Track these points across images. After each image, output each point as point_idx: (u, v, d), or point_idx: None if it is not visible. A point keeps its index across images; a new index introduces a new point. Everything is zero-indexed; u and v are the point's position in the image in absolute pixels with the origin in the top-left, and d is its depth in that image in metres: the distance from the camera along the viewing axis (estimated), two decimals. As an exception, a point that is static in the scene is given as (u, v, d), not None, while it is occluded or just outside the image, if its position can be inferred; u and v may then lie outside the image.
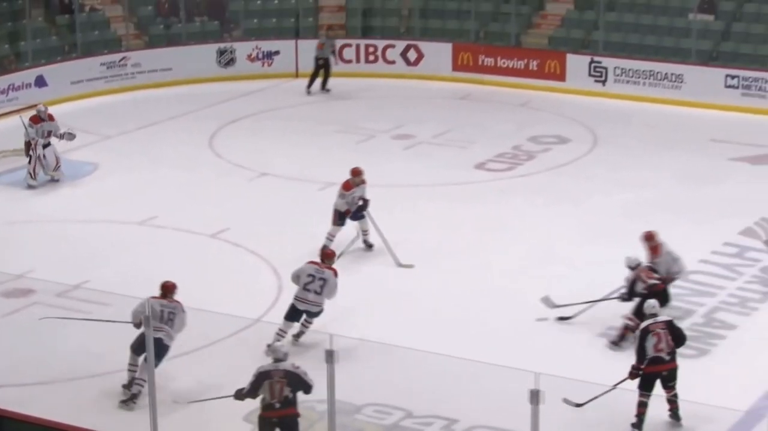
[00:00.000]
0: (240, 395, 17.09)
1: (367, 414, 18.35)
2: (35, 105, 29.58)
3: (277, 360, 16.85)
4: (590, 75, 35.68)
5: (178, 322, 18.73)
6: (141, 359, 18.32)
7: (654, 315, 18.02)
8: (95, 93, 36.10)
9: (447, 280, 22.61)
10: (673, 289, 21.97)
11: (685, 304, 21.79)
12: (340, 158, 30.17)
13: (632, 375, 17.84)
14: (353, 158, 29.84)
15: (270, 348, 17.60)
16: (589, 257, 23.76)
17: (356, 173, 25.06)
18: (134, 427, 16.20)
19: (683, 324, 20.35)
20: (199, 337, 20.11)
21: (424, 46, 37.88)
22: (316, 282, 20.01)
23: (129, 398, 18.31)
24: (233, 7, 39.52)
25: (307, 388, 16.77)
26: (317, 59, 36.30)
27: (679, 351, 18.48)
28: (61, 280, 22.76)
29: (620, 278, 21.40)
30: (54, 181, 29.12)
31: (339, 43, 38.10)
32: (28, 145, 28.80)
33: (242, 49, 38.16)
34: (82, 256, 24.15)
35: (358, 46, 38.28)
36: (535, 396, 13.50)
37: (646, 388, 17.80)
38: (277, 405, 16.76)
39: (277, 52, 38.24)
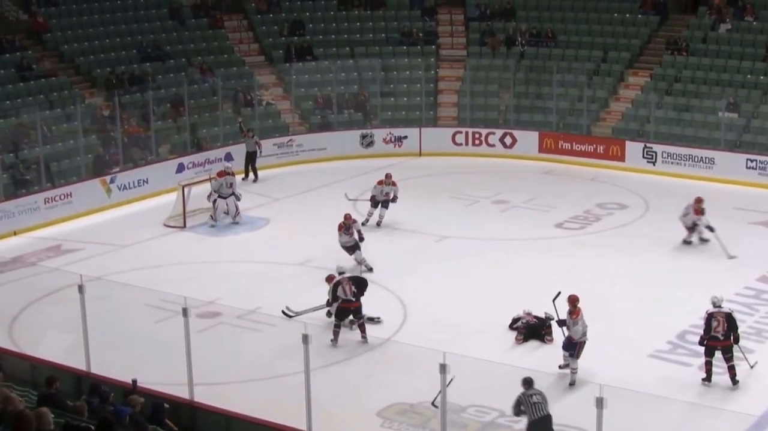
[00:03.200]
0: (329, 304, 21.38)
1: (470, 413, 18.36)
2: (224, 173, 30.14)
3: (341, 273, 21.34)
4: (644, 157, 35.33)
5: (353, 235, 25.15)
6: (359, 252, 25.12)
7: (719, 307, 19.53)
8: (269, 166, 36.21)
9: (534, 310, 22.32)
10: (703, 322, 21.77)
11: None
12: (452, 218, 30.28)
13: (701, 341, 19.59)
14: (462, 218, 30.10)
15: (337, 267, 21.74)
16: (642, 294, 23.67)
17: (387, 176, 29.53)
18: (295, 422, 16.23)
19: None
20: (341, 353, 20.19)
21: (517, 133, 37.69)
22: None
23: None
24: (373, 102, 39.68)
25: (363, 283, 21.52)
26: (246, 153, 34.87)
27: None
28: (241, 306, 23.02)
29: (665, 310, 21.27)
30: (235, 223, 29.67)
31: (451, 131, 38.25)
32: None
33: (379, 134, 38.18)
34: (257, 288, 24.31)
35: (467, 133, 38.16)
36: (600, 402, 13.41)
37: (708, 354, 19.40)
38: (353, 299, 21.02)
39: (405, 137, 38.22)
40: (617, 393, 16.42)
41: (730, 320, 19.39)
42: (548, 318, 21.45)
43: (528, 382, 16.67)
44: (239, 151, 35.42)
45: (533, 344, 21.23)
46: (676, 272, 25.39)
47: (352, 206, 29.07)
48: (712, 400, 18.69)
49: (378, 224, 29.19)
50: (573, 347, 19.60)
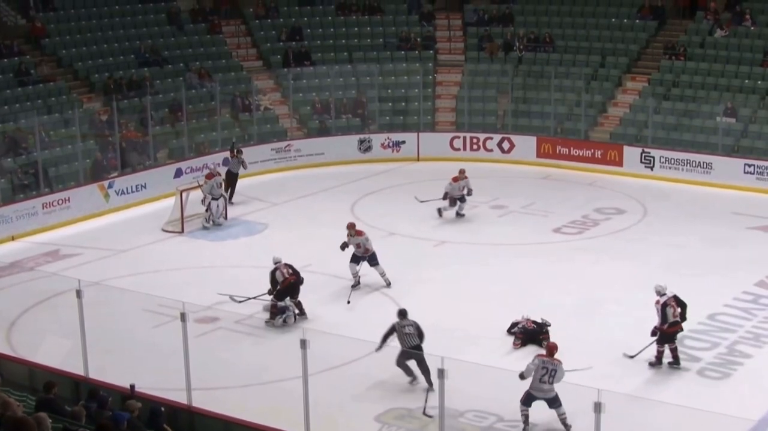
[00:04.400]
0: (271, 292, 22.71)
1: (468, 418, 18.32)
2: (212, 175, 30.48)
3: (277, 262, 22.91)
4: (641, 162, 35.34)
5: (366, 243, 24.87)
6: (356, 265, 24.75)
7: (665, 293, 20.12)
8: (267, 171, 36.36)
9: (532, 315, 22.29)
10: (702, 326, 21.94)
11: (712, 338, 21.56)
12: (451, 223, 30.24)
13: (657, 330, 20.10)
14: (460, 223, 29.99)
15: (273, 258, 23.17)
16: (638, 299, 23.53)
17: (461, 172, 30.70)
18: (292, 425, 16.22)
19: (710, 353, 20.32)
20: (337, 357, 20.15)
21: (515, 138, 37.71)
22: (548, 374, 17.63)
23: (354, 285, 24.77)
24: (371, 107, 39.69)
25: (293, 266, 23.06)
26: (228, 172, 32.64)
27: (707, 374, 19.58)
28: (239, 311, 23.03)
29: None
30: (217, 225, 29.93)
31: (449, 136, 38.27)
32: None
33: (377, 139, 38.20)
34: (255, 292, 24.27)
35: (464, 138, 38.19)
36: (598, 407, 13.42)
37: (668, 341, 20.12)
38: (286, 275, 22.62)
39: (403, 142, 38.25)
40: (615, 398, 16.46)
41: (680, 302, 20.23)
42: (545, 324, 21.52)
43: (402, 313, 19.25)
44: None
45: (531, 349, 21.16)
46: (673, 276, 25.29)
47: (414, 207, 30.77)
48: (711, 404, 18.64)
49: (460, 214, 30.61)
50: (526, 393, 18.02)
